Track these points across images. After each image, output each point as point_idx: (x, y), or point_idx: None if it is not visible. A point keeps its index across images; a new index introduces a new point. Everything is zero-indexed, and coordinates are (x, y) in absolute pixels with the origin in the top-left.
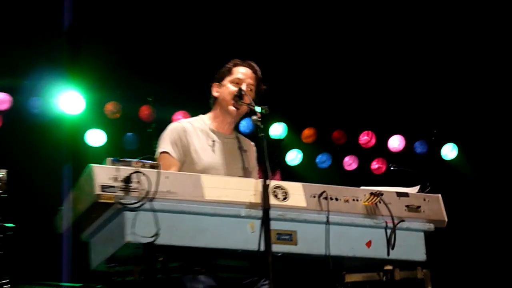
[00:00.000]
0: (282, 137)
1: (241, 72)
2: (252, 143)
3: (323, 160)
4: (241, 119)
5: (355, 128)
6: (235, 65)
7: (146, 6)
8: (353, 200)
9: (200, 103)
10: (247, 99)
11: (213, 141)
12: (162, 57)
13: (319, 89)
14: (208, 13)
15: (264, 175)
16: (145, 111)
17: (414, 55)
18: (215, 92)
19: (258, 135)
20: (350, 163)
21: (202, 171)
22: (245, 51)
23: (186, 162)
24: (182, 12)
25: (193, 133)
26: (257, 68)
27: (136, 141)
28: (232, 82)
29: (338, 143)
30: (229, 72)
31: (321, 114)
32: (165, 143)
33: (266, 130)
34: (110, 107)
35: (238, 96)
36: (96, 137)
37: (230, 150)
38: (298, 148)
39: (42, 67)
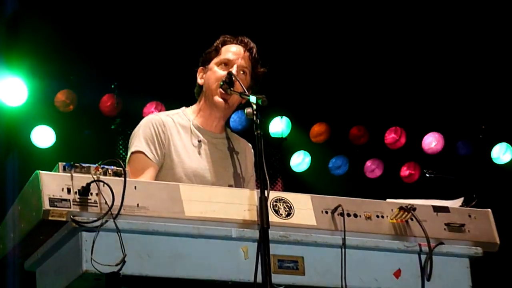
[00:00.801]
0: (284, 136)
1: (232, 51)
2: (249, 145)
3: (338, 165)
4: (233, 112)
5: (379, 124)
6: (224, 42)
7: None
8: (377, 216)
9: (180, 92)
10: (239, 86)
11: (199, 141)
12: (129, 33)
13: (332, 74)
14: None
15: (262, 184)
16: (106, 102)
17: (454, 37)
18: (200, 79)
19: (254, 132)
20: (373, 168)
21: (184, 178)
22: (239, 26)
23: (165, 166)
24: None
25: (174, 130)
26: (252, 45)
27: (95, 140)
28: (219, 64)
29: (358, 143)
30: (216, 52)
31: (335, 105)
32: (138, 140)
33: (264, 126)
34: (61, 96)
35: (228, 83)
36: (43, 136)
37: (220, 153)
38: (306, 150)
39: None
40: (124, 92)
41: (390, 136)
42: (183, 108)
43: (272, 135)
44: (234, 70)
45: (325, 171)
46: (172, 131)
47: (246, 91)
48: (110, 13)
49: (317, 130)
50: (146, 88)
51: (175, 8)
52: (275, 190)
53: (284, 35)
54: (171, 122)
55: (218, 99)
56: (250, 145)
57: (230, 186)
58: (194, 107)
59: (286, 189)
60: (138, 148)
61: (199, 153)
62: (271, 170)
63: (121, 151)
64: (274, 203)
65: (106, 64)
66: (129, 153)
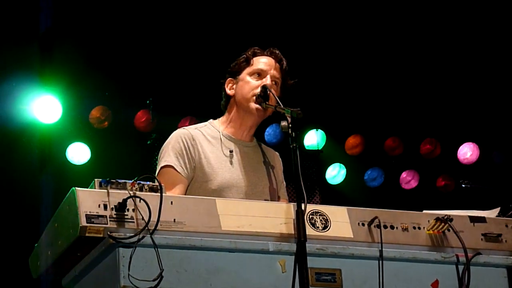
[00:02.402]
0: (320, 148)
1: (264, 62)
2: (277, 153)
3: (373, 176)
4: (263, 125)
5: (414, 135)
6: (255, 54)
7: None
8: (414, 228)
9: (214, 108)
10: (273, 99)
11: (231, 151)
12: (163, 49)
13: (366, 86)
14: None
15: (299, 197)
16: (141, 118)
17: (489, 48)
18: (229, 90)
19: (289, 146)
20: (408, 180)
21: (218, 191)
22: (270, 39)
23: (196, 179)
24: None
25: (204, 142)
26: (282, 57)
27: (130, 156)
28: (252, 74)
29: (393, 155)
30: (247, 62)
31: (369, 117)
32: (168, 154)
33: (299, 139)
34: (96, 113)
35: (262, 97)
36: (78, 152)
37: (253, 162)
38: (341, 162)
39: (14, 71)
40: (158, 108)
41: (426, 147)
42: (210, 120)
43: (307, 148)
44: (268, 80)
45: (361, 183)
46: (202, 143)
47: (280, 104)
48: (144, 29)
49: (352, 142)
50: (181, 104)
51: (210, 26)
52: (313, 203)
53: (319, 48)
54: (200, 134)
55: (254, 105)
56: (277, 153)
57: (263, 193)
58: (222, 118)
59: (322, 202)
60: (167, 163)
61: (231, 163)
62: (309, 182)
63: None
64: (311, 216)
65: (141, 80)
66: (158, 168)
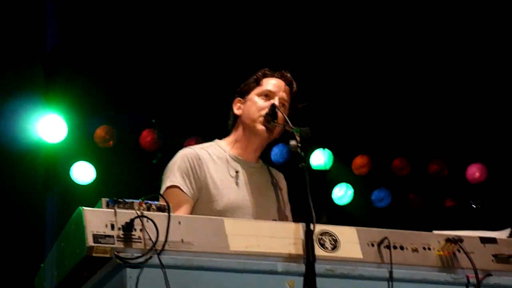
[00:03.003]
0: (327, 168)
1: (273, 83)
2: (281, 173)
3: (380, 197)
4: (269, 144)
5: (421, 155)
6: (265, 75)
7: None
8: (424, 248)
9: (219, 127)
10: (281, 118)
11: (236, 171)
12: (170, 69)
13: (373, 106)
14: (230, 16)
15: (308, 217)
16: (147, 137)
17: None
18: (237, 110)
19: (297, 165)
20: (417, 200)
21: (223, 212)
22: (278, 61)
23: (201, 200)
24: (191, 18)
25: (210, 162)
26: (292, 80)
27: (136, 175)
28: (260, 95)
29: (400, 175)
30: (256, 83)
31: (376, 137)
32: (173, 174)
33: (307, 159)
34: (101, 132)
35: (271, 115)
36: (83, 172)
37: (259, 183)
38: (348, 182)
39: (19, 90)
40: (164, 127)
41: (433, 167)
42: (216, 140)
43: (314, 168)
44: (276, 102)
45: (368, 203)
46: (208, 164)
47: (289, 123)
48: (150, 48)
49: (359, 162)
50: (186, 123)
51: (218, 45)
52: (320, 223)
53: (326, 67)
54: (206, 154)
55: (260, 127)
56: (281, 174)
57: (269, 214)
58: (229, 139)
59: (330, 222)
60: (173, 183)
61: (237, 184)
62: (316, 202)
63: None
64: (320, 236)
65: (146, 99)
66: (163, 188)
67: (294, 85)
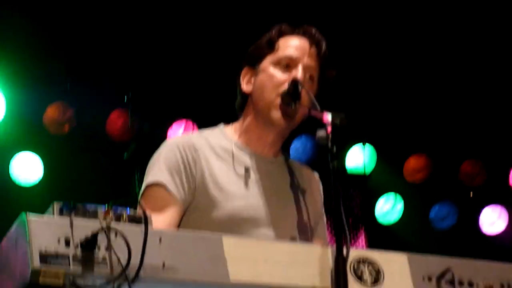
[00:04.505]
0: (368, 172)
1: (294, 45)
2: (315, 173)
3: (443, 214)
4: (293, 133)
5: (501, 158)
6: (281, 33)
7: None
8: (503, 285)
9: (220, 108)
10: (307, 98)
11: (246, 168)
12: (150, 25)
13: (435, 90)
14: None
15: (338, 237)
16: (116, 121)
17: None
18: (246, 84)
19: (328, 165)
20: (493, 219)
21: (227, 224)
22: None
23: (197, 206)
24: None
25: (211, 154)
26: (320, 37)
27: (102, 173)
28: (277, 64)
29: (471, 184)
30: (270, 47)
31: (438, 131)
32: (159, 168)
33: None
34: (53, 113)
35: (291, 95)
36: (27, 166)
37: (276, 185)
38: (397, 192)
39: None
40: (140, 107)
41: None
42: (221, 125)
43: (350, 171)
44: (299, 73)
45: (425, 222)
46: (208, 156)
47: (317, 106)
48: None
49: (414, 165)
50: (172, 102)
51: (208, 11)
52: (356, 247)
53: (370, 37)
54: (206, 145)
55: (277, 114)
56: (316, 173)
57: (291, 228)
58: (237, 125)
59: (371, 245)
60: (156, 179)
61: (246, 185)
62: (351, 218)
63: (138, 189)
64: (356, 265)
65: (116, 68)
66: (143, 186)
67: (324, 45)
